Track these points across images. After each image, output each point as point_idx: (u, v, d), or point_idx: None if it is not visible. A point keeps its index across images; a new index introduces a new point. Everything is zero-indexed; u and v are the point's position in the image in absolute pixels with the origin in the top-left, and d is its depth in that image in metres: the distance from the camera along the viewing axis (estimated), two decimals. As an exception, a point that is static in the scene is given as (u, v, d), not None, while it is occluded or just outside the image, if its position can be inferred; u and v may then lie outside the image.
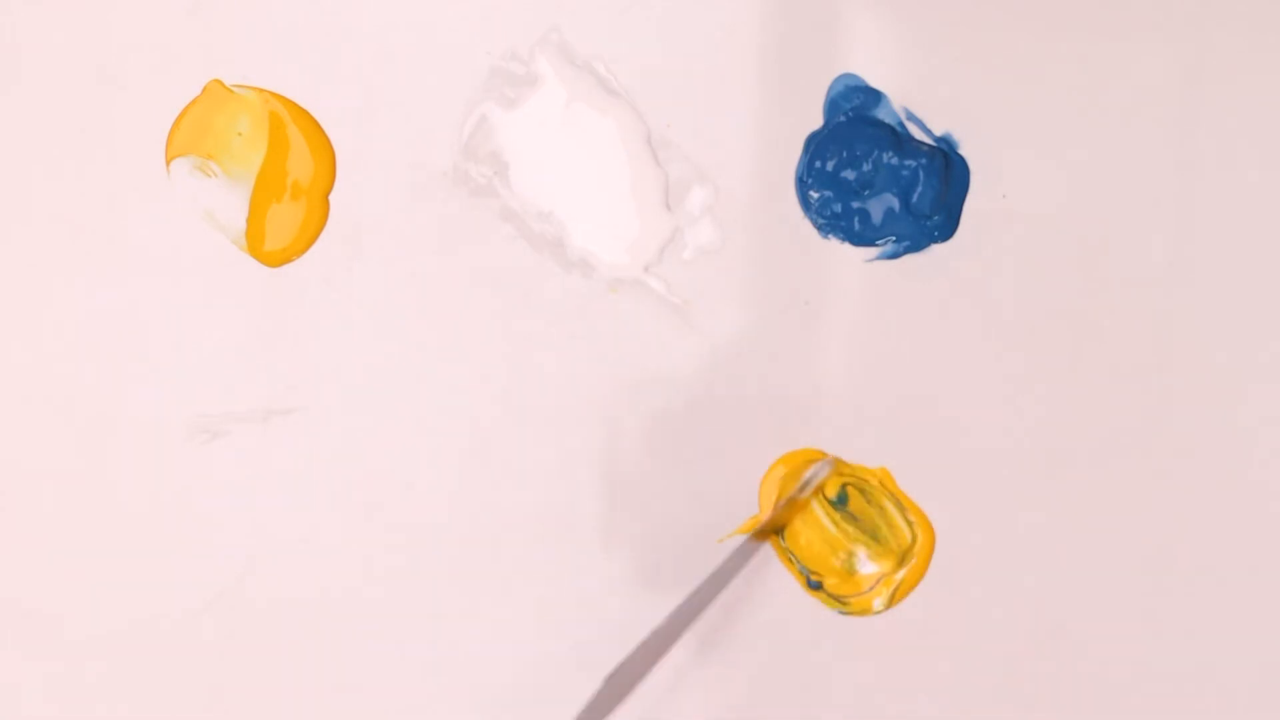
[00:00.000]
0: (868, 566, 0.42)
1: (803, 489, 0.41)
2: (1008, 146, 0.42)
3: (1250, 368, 0.41)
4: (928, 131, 0.42)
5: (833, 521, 0.42)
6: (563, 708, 0.42)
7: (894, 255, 0.42)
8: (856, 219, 0.42)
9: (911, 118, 0.42)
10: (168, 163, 0.43)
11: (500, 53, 0.42)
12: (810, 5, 0.42)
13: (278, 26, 0.43)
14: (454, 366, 0.42)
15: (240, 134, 0.43)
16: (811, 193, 0.42)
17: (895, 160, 0.42)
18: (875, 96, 0.42)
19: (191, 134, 0.43)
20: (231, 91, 0.43)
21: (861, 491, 0.42)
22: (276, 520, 0.43)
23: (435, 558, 0.42)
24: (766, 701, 0.42)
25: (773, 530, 0.42)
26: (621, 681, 0.35)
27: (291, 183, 0.43)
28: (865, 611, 0.42)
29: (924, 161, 0.41)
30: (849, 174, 0.42)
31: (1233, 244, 0.41)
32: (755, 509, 0.42)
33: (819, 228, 0.42)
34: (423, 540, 0.42)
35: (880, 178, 0.42)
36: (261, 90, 0.43)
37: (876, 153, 0.42)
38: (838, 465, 0.42)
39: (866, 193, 0.42)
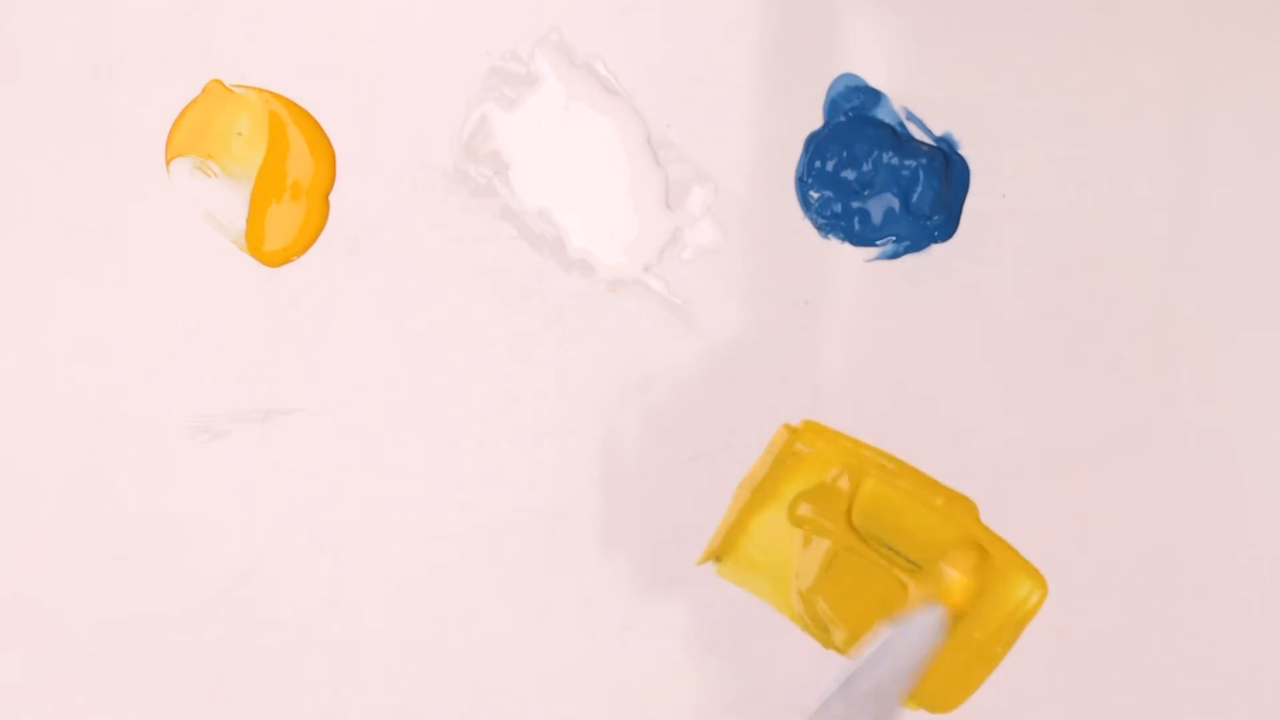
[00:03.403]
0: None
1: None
2: (1008, 146, 0.42)
3: (1250, 367, 0.41)
4: (928, 131, 0.42)
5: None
6: (563, 708, 0.43)
7: (894, 255, 0.42)
8: (856, 219, 0.42)
9: (911, 118, 0.42)
10: (168, 163, 0.43)
11: (500, 53, 0.42)
12: (810, 5, 0.42)
13: (278, 26, 0.43)
14: (454, 366, 0.42)
15: (240, 134, 0.43)
16: (811, 193, 0.42)
17: (895, 160, 0.42)
18: (875, 96, 0.42)
19: (191, 134, 0.43)
20: (231, 91, 0.43)
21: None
22: (276, 520, 0.43)
23: (435, 557, 0.42)
24: (761, 697, 0.42)
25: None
26: None
27: (291, 183, 0.43)
28: None
29: (924, 161, 0.41)
30: (849, 174, 0.42)
31: (1233, 244, 0.41)
32: (755, 509, 0.42)
33: (819, 228, 0.42)
34: (422, 540, 0.42)
35: (880, 178, 0.42)
36: (261, 90, 0.43)
37: (876, 153, 0.42)
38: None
39: (866, 193, 0.42)
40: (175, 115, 0.43)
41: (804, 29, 0.42)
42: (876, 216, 0.42)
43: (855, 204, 0.42)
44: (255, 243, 0.43)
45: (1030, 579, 0.41)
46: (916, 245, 0.42)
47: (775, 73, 0.42)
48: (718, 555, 0.42)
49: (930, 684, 0.41)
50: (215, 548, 0.43)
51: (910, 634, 0.38)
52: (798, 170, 0.42)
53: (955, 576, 0.39)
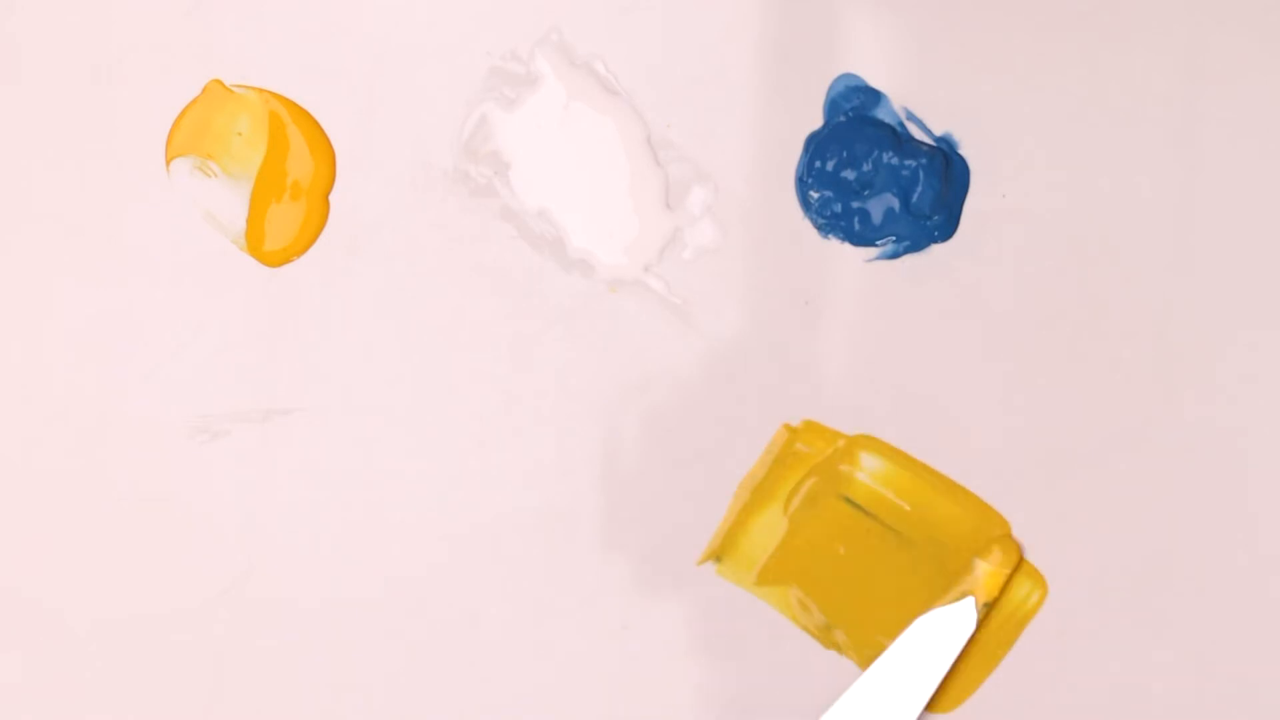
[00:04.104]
0: None
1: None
2: (1008, 146, 0.42)
3: (1252, 368, 0.41)
4: (928, 131, 0.42)
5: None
6: (563, 708, 0.43)
7: (894, 255, 0.42)
8: (856, 219, 0.42)
9: (911, 118, 0.42)
10: (167, 163, 0.43)
11: (500, 53, 0.42)
12: (810, 5, 0.42)
13: (278, 26, 0.43)
14: (454, 366, 0.42)
15: (240, 134, 0.43)
16: (811, 193, 0.42)
17: (895, 160, 0.42)
18: (875, 96, 0.42)
19: (191, 134, 0.43)
20: (231, 91, 0.43)
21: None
22: (277, 520, 0.43)
23: (435, 557, 0.42)
24: (761, 697, 0.42)
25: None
26: None
27: (291, 183, 0.43)
28: None
29: (924, 161, 0.41)
30: (849, 174, 0.42)
31: (1234, 244, 0.41)
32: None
33: (819, 228, 0.42)
34: (422, 540, 0.42)
35: (880, 178, 0.42)
36: (261, 90, 0.43)
37: (876, 153, 0.42)
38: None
39: (866, 193, 0.42)
40: (175, 115, 0.43)
41: (804, 29, 0.42)
42: (876, 216, 0.42)
43: (855, 204, 0.42)
44: (255, 243, 0.43)
45: (1030, 579, 0.41)
46: (916, 245, 0.42)
47: (775, 73, 0.42)
48: (718, 555, 0.42)
49: None
50: (215, 548, 0.43)
51: (939, 627, 0.37)
52: (798, 170, 0.42)
53: (987, 568, 0.39)
